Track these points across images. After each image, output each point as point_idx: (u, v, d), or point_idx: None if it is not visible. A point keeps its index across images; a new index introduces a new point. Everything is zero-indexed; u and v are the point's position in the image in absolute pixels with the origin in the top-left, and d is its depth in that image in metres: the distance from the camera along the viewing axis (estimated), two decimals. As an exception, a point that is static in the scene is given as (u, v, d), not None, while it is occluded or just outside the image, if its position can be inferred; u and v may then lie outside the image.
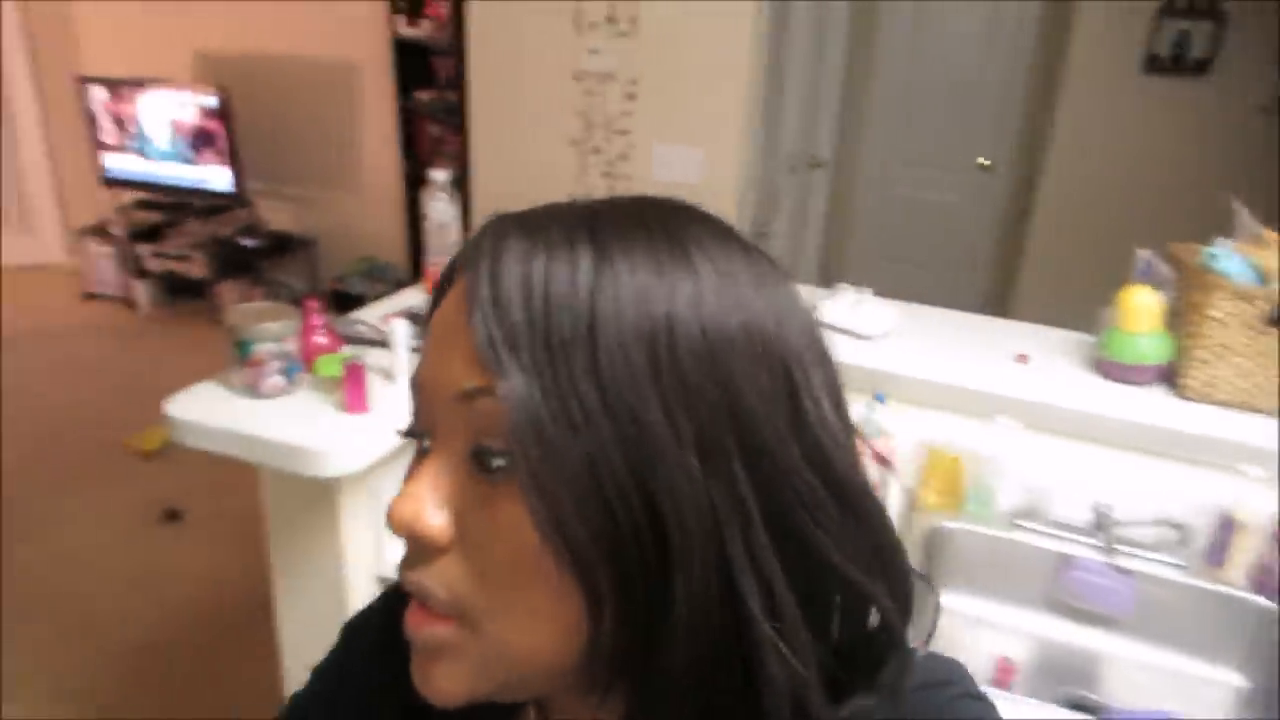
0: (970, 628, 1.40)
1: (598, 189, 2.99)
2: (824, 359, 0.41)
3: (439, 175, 1.65)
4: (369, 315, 1.61)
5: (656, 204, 0.42)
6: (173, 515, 2.85)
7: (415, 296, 1.75)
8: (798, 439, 0.38)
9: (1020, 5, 3.67)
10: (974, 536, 1.40)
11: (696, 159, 2.81)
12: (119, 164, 4.37)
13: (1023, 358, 1.55)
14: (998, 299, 3.84)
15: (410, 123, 4.02)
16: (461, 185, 3.15)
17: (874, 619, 0.41)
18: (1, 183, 5.02)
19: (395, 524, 0.39)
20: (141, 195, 4.50)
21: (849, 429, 0.41)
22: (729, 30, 2.65)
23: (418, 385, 0.41)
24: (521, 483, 0.36)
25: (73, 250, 5.07)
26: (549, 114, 2.99)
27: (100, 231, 4.58)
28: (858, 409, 1.44)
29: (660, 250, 0.38)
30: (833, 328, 1.68)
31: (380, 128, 4.12)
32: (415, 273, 4.10)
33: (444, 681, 0.40)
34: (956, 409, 1.47)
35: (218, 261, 4.22)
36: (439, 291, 0.43)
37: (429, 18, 3.70)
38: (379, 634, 0.55)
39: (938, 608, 0.46)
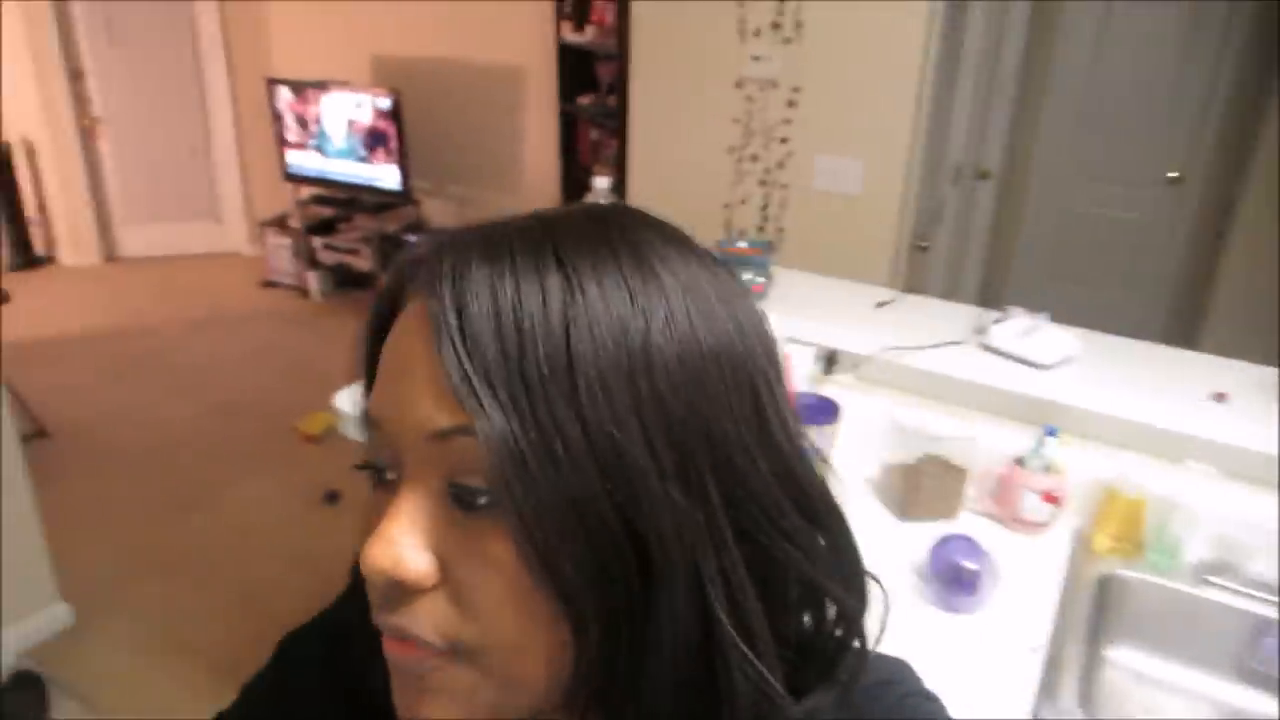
0: (1143, 687, 1.28)
1: (754, 197, 2.95)
2: (779, 366, 0.41)
3: (601, 183, 1.66)
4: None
5: (614, 215, 0.41)
6: (332, 497, 2.99)
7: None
8: (765, 455, 0.38)
9: (1229, 4, 3.37)
10: (1155, 589, 1.29)
11: (857, 170, 2.72)
12: (299, 161, 4.64)
13: (1221, 396, 1.41)
14: (1183, 328, 3.55)
15: (570, 126, 4.09)
16: (619, 190, 3.18)
17: (830, 615, 0.42)
18: (205, 177, 5.43)
19: (374, 570, 0.37)
20: (318, 190, 4.77)
21: (801, 434, 0.41)
22: (898, 36, 2.55)
23: (376, 420, 0.39)
24: (506, 519, 0.35)
25: (255, 240, 5.43)
26: (708, 120, 2.97)
27: (280, 224, 4.90)
28: (1025, 441, 1.35)
29: (629, 271, 0.37)
30: (1001, 353, 1.58)
31: (541, 131, 4.21)
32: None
33: (437, 710, 0.39)
34: (1140, 448, 1.35)
35: (383, 256, 4.43)
36: (379, 313, 0.42)
37: (594, 24, 3.75)
38: (325, 648, 0.53)
39: (887, 605, 0.45)
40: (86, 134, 5.32)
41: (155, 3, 5.15)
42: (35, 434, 3.46)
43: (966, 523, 1.35)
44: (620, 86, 3.30)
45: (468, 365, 0.35)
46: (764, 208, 2.95)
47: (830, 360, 1.71)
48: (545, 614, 0.36)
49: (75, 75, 5.18)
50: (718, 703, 0.39)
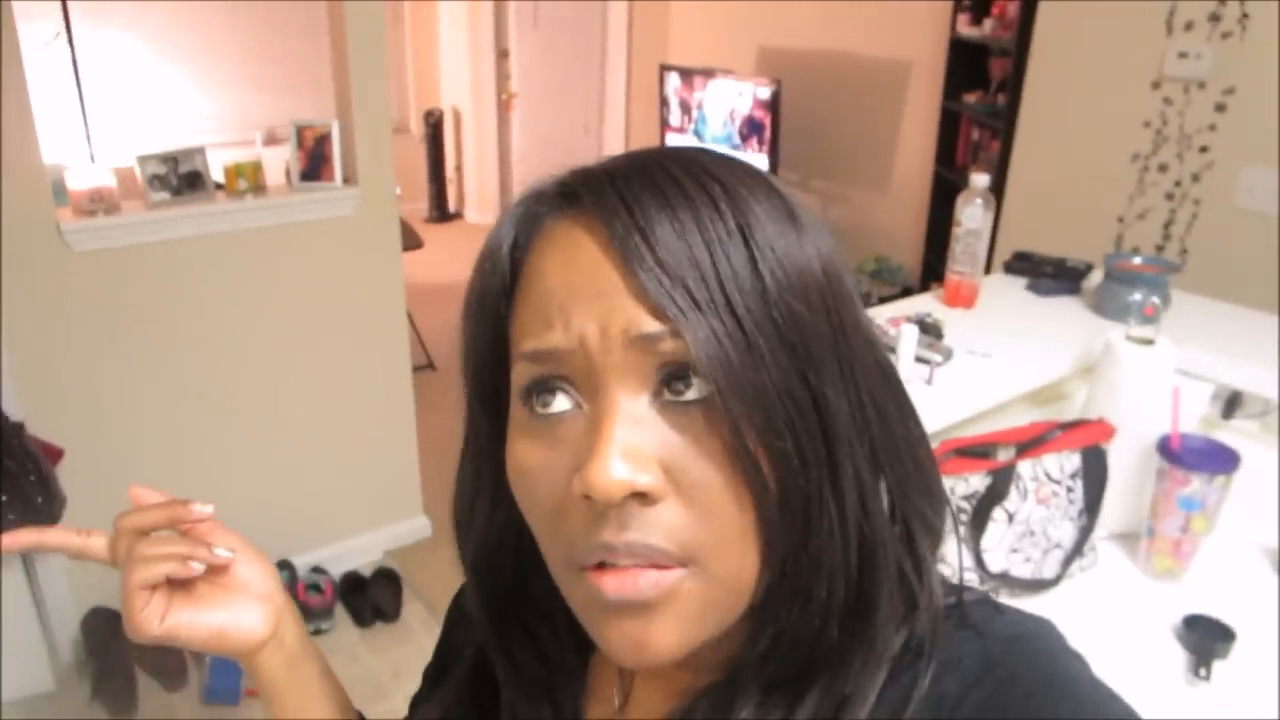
0: None
1: (1157, 211, 2.62)
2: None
3: (979, 179, 1.55)
4: (875, 315, 1.57)
5: (714, 152, 0.44)
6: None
7: (927, 304, 1.68)
8: (870, 347, 0.43)
9: None
10: None
11: (1296, 188, 2.32)
12: (678, 143, 4.87)
13: None
14: None
15: (950, 125, 3.90)
16: (995, 192, 2.97)
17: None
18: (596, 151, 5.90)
19: (611, 487, 0.37)
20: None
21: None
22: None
23: (572, 343, 0.40)
24: (719, 410, 0.37)
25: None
26: (1111, 123, 2.68)
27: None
28: None
29: (770, 194, 0.41)
30: None
31: (919, 128, 4.06)
32: (925, 278, 3.99)
33: (668, 636, 0.40)
34: None
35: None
36: (506, 257, 0.44)
37: (994, 17, 3.52)
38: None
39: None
40: (503, 106, 5.99)
41: (573, -9, 5.65)
42: (425, 365, 3.98)
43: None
44: (1013, 84, 3.08)
45: (660, 273, 0.38)
46: (1167, 224, 2.61)
47: (1231, 403, 1.47)
48: (752, 507, 0.39)
49: (501, 53, 5.84)
50: (872, 602, 0.42)
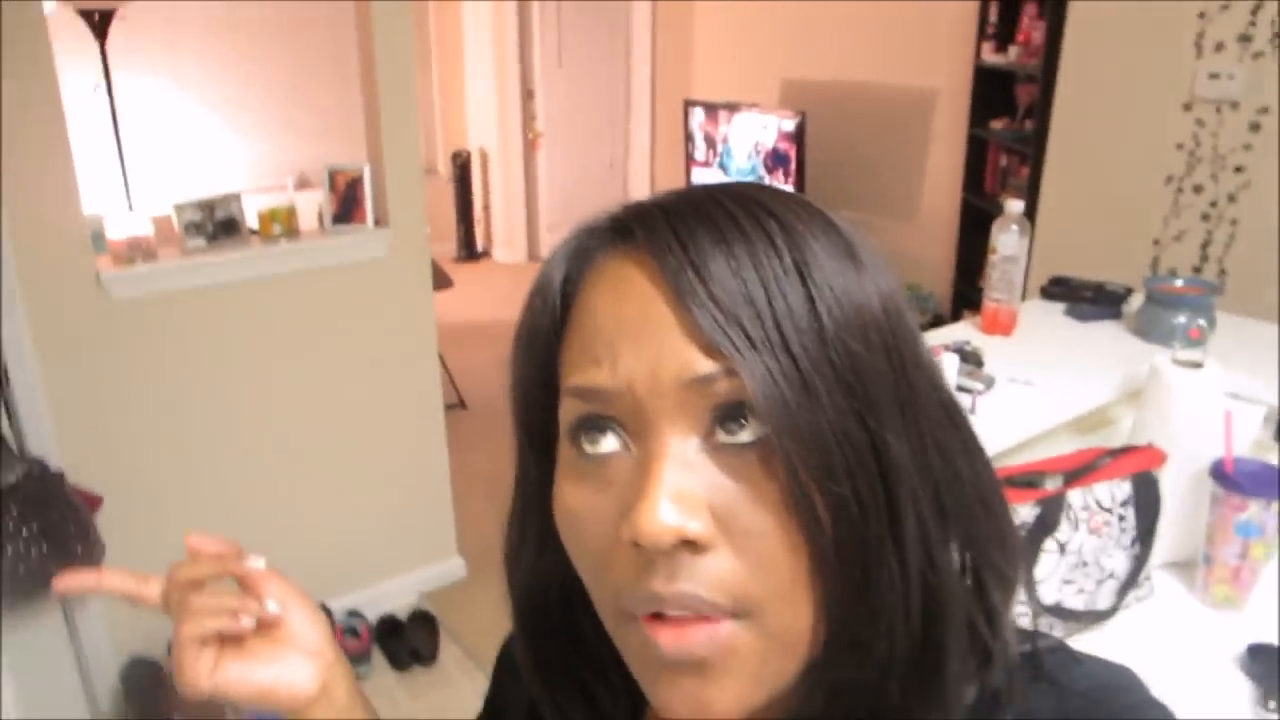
0: None
1: (1192, 232, 2.58)
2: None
3: (1015, 206, 1.54)
4: (915, 341, 1.56)
5: (771, 187, 0.43)
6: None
7: (965, 332, 1.66)
8: (933, 387, 0.41)
9: None
10: None
11: (1338, 206, 2.28)
12: (703, 178, 4.89)
13: None
14: None
15: (978, 152, 3.88)
16: (1028, 217, 2.95)
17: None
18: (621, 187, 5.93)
19: (661, 534, 0.36)
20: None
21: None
22: None
23: (621, 383, 0.38)
24: (775, 454, 0.36)
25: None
26: (1143, 146, 2.65)
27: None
28: None
29: (827, 229, 0.40)
30: None
31: (946, 155, 4.05)
32: (956, 306, 3.95)
33: (727, 694, 0.38)
34: None
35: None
36: (564, 290, 0.43)
37: (1019, 43, 3.52)
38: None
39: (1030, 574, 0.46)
40: (529, 146, 6.05)
41: (600, 31, 5.73)
42: (456, 404, 3.99)
43: None
44: (1042, 109, 3.07)
45: (714, 310, 0.36)
46: (1205, 245, 2.57)
47: (1284, 426, 1.43)
48: (807, 556, 0.37)
49: (527, 94, 5.92)
50: (939, 658, 0.39)
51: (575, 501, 0.41)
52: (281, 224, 2.42)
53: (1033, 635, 0.44)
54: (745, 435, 0.37)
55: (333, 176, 2.47)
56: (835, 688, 0.39)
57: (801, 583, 0.37)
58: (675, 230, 0.39)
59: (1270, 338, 1.64)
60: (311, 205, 2.82)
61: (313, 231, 2.54)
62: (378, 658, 2.58)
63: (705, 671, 0.38)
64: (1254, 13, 2.34)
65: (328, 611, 2.61)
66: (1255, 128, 2.41)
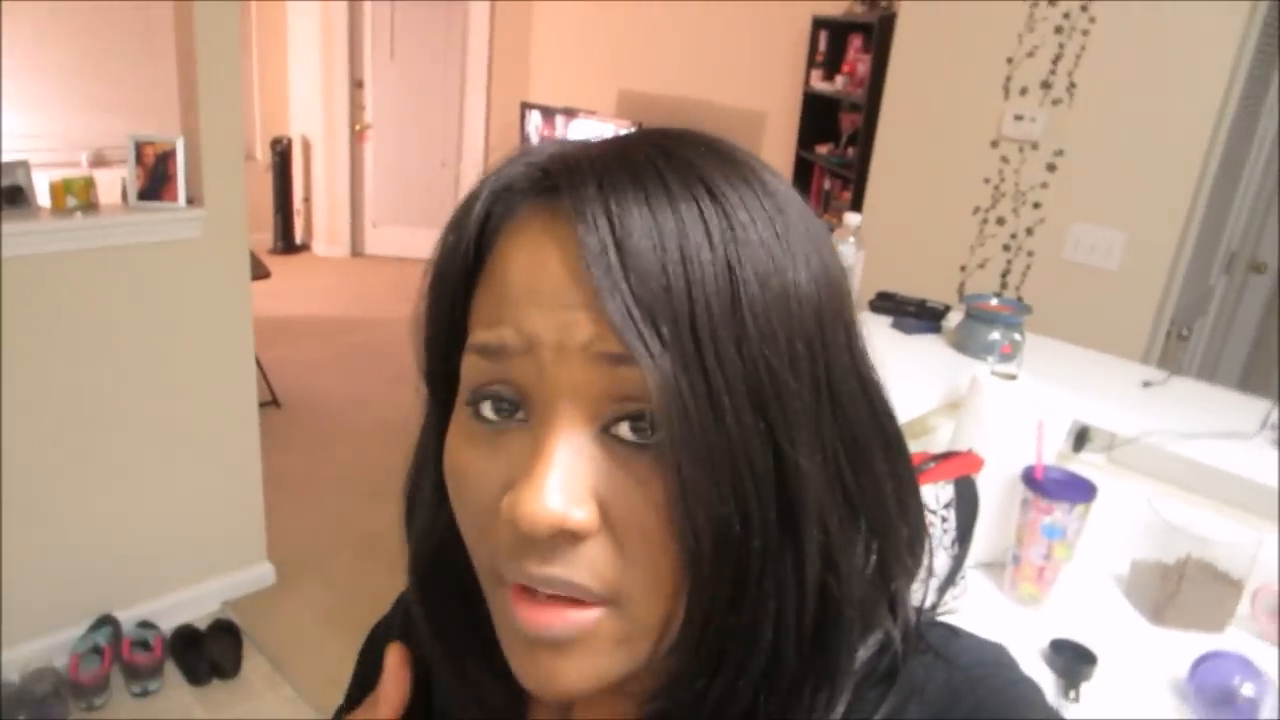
0: None
1: (995, 260, 2.79)
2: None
3: (853, 218, 1.60)
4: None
5: (722, 141, 0.41)
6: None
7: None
8: (860, 385, 0.39)
9: None
10: None
11: (1119, 243, 2.52)
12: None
13: None
14: None
15: (803, 174, 4.06)
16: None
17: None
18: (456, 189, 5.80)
19: (540, 520, 0.34)
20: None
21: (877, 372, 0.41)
22: (1187, 108, 2.35)
23: (524, 341, 0.36)
24: (668, 457, 0.34)
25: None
26: (954, 178, 2.85)
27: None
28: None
29: (760, 196, 0.37)
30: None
31: (774, 175, 4.20)
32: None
33: (579, 672, 0.38)
34: None
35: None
36: (474, 232, 0.39)
37: (845, 74, 3.71)
38: (403, 639, 0.50)
39: (934, 574, 0.45)
40: (356, 137, 5.82)
41: (436, 25, 5.59)
42: (269, 402, 3.77)
43: (1235, 640, 1.18)
44: (865, 137, 3.24)
45: (630, 303, 0.34)
46: (1004, 274, 2.79)
47: (1080, 437, 1.56)
48: (680, 556, 0.36)
49: (356, 84, 5.69)
50: (830, 659, 0.39)
51: (464, 461, 0.39)
52: (77, 197, 2.20)
53: (919, 610, 0.44)
54: (642, 437, 0.36)
55: (140, 149, 2.27)
56: (711, 679, 0.39)
57: (675, 583, 0.37)
58: (605, 200, 0.36)
59: (1068, 356, 1.78)
60: (110, 184, 2.58)
61: (114, 206, 2.32)
62: (172, 672, 2.37)
63: (561, 648, 0.37)
64: (1054, 61, 2.56)
65: (114, 622, 2.37)
66: (1051, 168, 2.63)
